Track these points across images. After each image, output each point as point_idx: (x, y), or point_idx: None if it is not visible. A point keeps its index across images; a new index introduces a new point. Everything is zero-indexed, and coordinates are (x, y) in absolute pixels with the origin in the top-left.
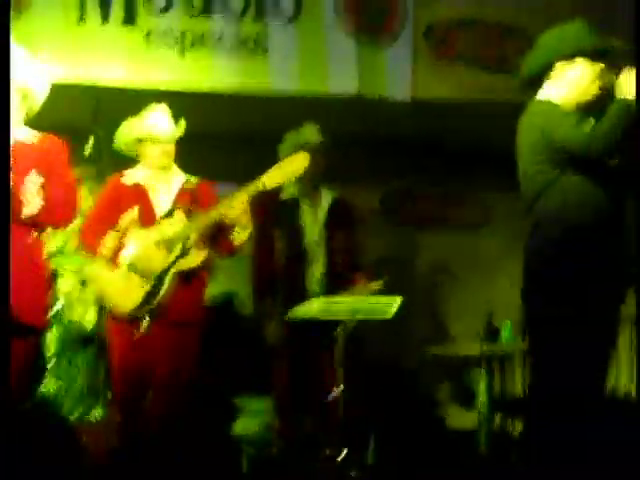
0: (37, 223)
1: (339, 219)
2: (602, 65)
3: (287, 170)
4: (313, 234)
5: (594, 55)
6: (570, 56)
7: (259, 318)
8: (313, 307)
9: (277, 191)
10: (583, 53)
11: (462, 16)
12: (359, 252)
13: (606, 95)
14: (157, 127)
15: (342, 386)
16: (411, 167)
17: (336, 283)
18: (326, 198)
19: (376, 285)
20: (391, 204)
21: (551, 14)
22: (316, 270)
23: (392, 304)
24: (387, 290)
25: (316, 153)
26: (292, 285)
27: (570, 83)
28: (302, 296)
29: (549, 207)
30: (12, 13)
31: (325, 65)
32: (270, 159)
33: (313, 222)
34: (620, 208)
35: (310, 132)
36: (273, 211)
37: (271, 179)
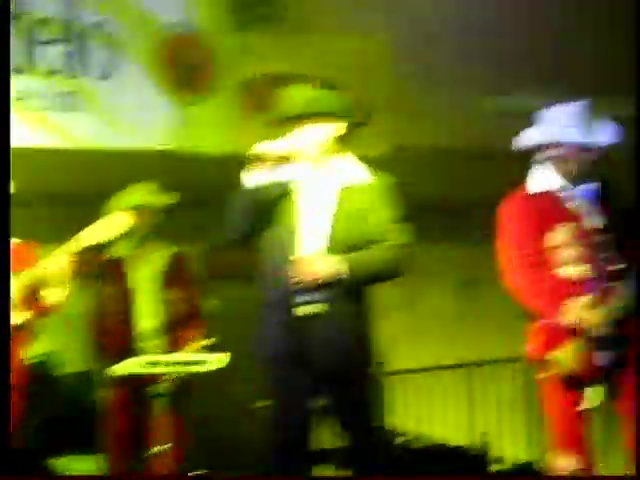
0: None
1: (175, 275)
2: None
3: (104, 229)
4: (146, 290)
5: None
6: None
7: (91, 376)
8: (135, 363)
9: (106, 249)
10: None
11: (279, 71)
12: (194, 308)
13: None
14: None
15: (168, 444)
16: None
17: (169, 338)
18: (161, 252)
19: (207, 342)
20: (208, 259)
21: (368, 70)
22: (150, 325)
23: (215, 360)
24: (216, 346)
25: (150, 211)
26: (124, 342)
27: None
28: (134, 353)
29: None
30: None
31: (139, 120)
32: (86, 216)
33: (146, 279)
34: None
35: (144, 192)
36: (104, 270)
37: (87, 238)
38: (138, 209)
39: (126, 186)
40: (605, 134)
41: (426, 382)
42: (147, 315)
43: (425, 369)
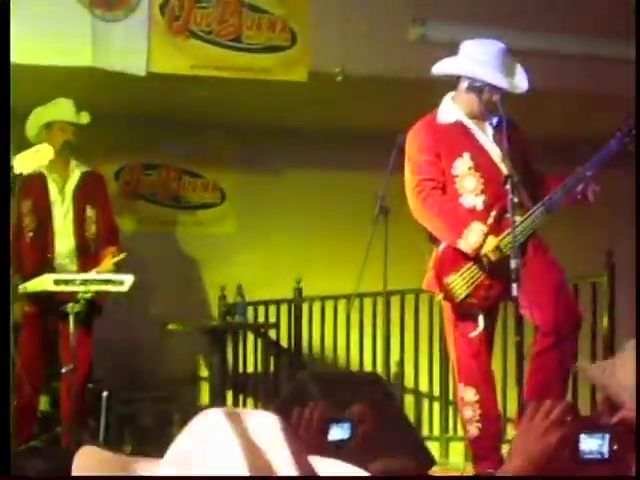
0: None
1: (89, 192)
2: None
3: (31, 160)
4: (61, 208)
5: None
6: None
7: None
8: (46, 281)
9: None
10: None
11: None
12: (109, 225)
13: None
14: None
15: (72, 365)
16: (148, 141)
17: (85, 256)
18: (75, 171)
19: (118, 258)
20: (126, 178)
21: None
22: (66, 243)
23: (124, 280)
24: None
25: (67, 128)
26: (41, 260)
27: None
28: (50, 270)
29: None
30: None
31: (60, 38)
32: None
33: (61, 195)
34: None
35: (63, 108)
36: (19, 187)
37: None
38: (53, 125)
39: (42, 102)
40: (519, 79)
41: (344, 309)
42: (62, 233)
43: (344, 296)
